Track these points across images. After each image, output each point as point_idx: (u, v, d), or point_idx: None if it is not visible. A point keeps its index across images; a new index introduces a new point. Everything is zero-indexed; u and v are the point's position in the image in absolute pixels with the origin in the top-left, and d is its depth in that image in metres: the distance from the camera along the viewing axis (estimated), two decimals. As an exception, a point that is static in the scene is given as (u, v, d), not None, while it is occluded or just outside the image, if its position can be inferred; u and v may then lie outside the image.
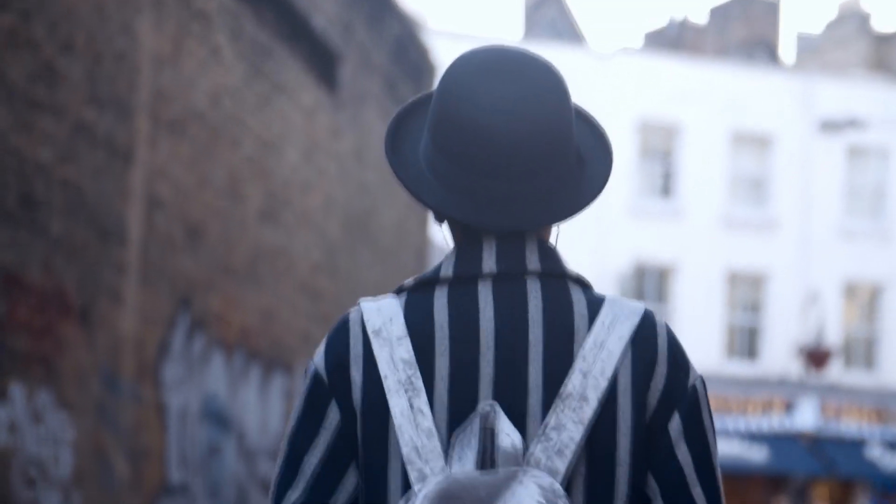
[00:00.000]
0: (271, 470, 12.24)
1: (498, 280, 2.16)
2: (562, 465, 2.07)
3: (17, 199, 8.36)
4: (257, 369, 12.43)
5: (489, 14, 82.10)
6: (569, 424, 2.09)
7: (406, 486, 2.09)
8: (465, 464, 2.05)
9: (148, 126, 10.04)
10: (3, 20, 8.22)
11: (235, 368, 11.95)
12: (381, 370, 2.11)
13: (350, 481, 2.15)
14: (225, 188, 11.63)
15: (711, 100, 32.72)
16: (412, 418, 2.09)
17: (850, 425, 32.66)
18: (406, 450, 2.08)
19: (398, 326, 2.14)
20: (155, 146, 10.17)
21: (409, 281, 2.20)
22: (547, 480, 2.03)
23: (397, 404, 2.09)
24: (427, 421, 2.08)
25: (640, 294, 32.32)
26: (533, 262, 2.17)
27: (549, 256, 2.19)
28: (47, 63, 8.64)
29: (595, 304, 2.19)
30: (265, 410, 12.77)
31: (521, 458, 2.05)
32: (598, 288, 31.54)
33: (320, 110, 14.19)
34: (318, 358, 2.18)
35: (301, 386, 2.18)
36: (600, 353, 2.14)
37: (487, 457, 2.05)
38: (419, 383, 2.10)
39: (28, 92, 8.44)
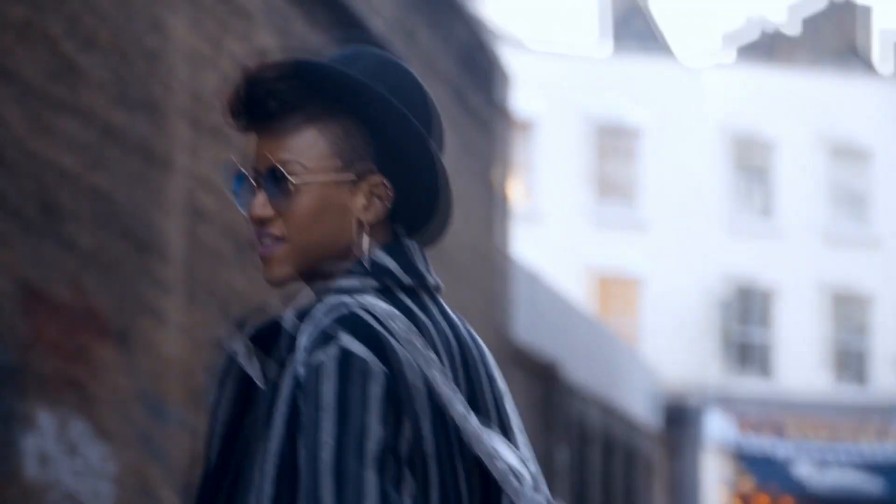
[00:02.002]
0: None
1: (430, 292, 2.12)
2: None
3: (38, 207, 7.69)
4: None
5: (571, 27, 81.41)
6: (521, 437, 2.13)
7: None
8: (541, 487, 2.05)
9: (187, 131, 9.34)
10: (15, 12, 7.56)
11: (299, 394, 11.17)
12: (436, 381, 2.00)
13: None
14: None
15: (806, 112, 31.76)
16: (485, 432, 2.01)
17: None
18: (501, 466, 2.00)
19: (416, 334, 2.02)
20: (196, 153, 9.47)
21: (371, 281, 2.07)
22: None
23: (469, 417, 2.00)
24: (497, 439, 2.05)
25: (744, 318, 31.34)
26: (434, 275, 2.16)
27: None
28: (67, 60, 7.97)
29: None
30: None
31: (538, 477, 2.06)
32: (702, 311, 30.69)
33: (384, 121, 13.44)
34: (370, 357, 1.96)
35: (340, 384, 1.94)
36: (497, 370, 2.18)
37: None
38: (461, 395, 2.02)
39: (45, 91, 7.77)
